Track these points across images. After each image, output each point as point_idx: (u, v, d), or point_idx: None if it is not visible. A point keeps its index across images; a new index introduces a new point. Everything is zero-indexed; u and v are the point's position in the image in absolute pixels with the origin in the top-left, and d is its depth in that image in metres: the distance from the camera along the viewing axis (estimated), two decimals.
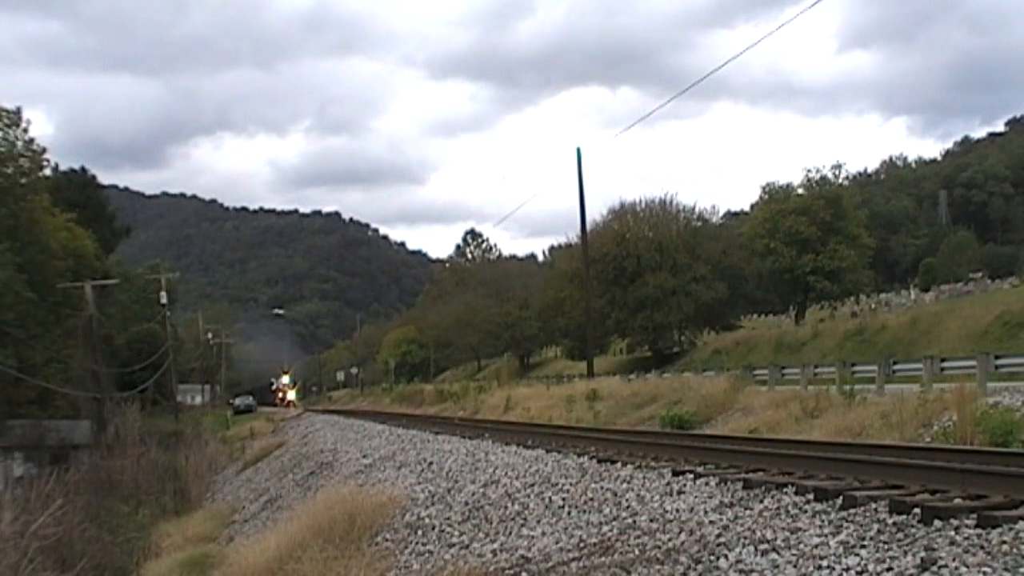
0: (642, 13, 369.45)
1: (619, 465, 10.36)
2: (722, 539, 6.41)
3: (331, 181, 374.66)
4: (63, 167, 61.67)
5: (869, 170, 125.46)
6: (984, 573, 4.73)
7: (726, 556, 6.00)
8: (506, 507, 9.58)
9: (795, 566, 5.48)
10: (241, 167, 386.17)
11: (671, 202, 56.71)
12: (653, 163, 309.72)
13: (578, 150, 35.24)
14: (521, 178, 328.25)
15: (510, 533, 8.56)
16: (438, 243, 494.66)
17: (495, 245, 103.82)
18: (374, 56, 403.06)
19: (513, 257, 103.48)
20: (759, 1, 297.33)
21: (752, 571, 5.60)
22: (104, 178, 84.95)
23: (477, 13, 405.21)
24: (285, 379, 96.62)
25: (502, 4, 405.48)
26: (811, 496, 7.04)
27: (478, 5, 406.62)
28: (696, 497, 7.90)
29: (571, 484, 9.76)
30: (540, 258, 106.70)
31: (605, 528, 7.64)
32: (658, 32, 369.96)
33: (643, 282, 52.01)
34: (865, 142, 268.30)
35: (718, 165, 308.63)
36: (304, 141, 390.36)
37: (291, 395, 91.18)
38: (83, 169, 62.62)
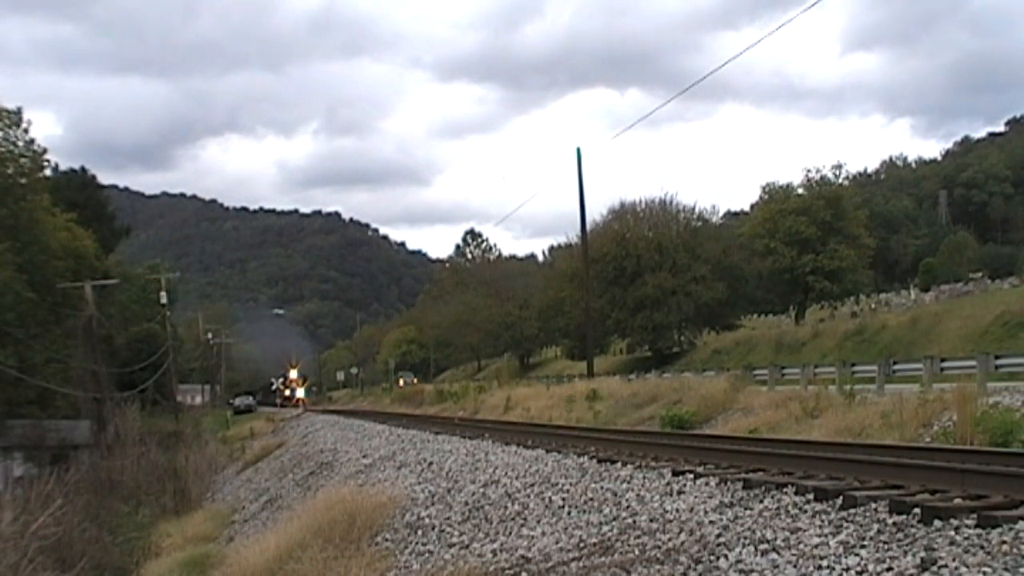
0: (648, 15, 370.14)
1: (619, 465, 10.35)
2: (722, 539, 6.41)
3: (337, 182, 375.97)
4: (71, 168, 61.99)
5: (869, 170, 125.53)
6: (984, 573, 4.72)
7: (726, 556, 6.00)
8: (506, 507, 9.58)
9: (795, 566, 5.48)
10: (248, 169, 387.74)
11: (671, 202, 56.80)
12: (660, 165, 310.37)
13: (578, 150, 35.22)
14: (524, 179, 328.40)
15: (510, 533, 8.56)
16: (440, 243, 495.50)
17: (495, 245, 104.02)
18: (382, 58, 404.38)
19: (513, 257, 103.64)
20: (763, 3, 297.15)
21: (752, 571, 5.60)
22: (113, 179, 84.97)
23: (484, 15, 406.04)
24: (293, 373, 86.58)
25: (509, 6, 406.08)
26: (811, 496, 7.04)
27: (485, 7, 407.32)
28: (696, 497, 7.90)
29: (571, 484, 9.76)
30: (540, 258, 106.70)
31: (605, 528, 7.64)
32: (664, 34, 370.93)
33: (643, 282, 52.02)
34: (869, 144, 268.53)
35: (724, 167, 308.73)
36: (312, 143, 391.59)
37: (299, 392, 79.97)
38: (83, 169, 62.72)
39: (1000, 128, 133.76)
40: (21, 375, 36.31)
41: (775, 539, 6.08)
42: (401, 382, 71.92)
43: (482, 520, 9.42)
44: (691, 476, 8.84)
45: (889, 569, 5.06)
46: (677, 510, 7.56)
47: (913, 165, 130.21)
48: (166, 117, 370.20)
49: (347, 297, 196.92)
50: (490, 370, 74.85)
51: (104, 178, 64.61)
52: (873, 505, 6.41)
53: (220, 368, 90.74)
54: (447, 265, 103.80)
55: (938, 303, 47.63)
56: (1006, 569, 4.74)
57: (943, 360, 18.89)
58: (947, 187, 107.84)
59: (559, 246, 79.77)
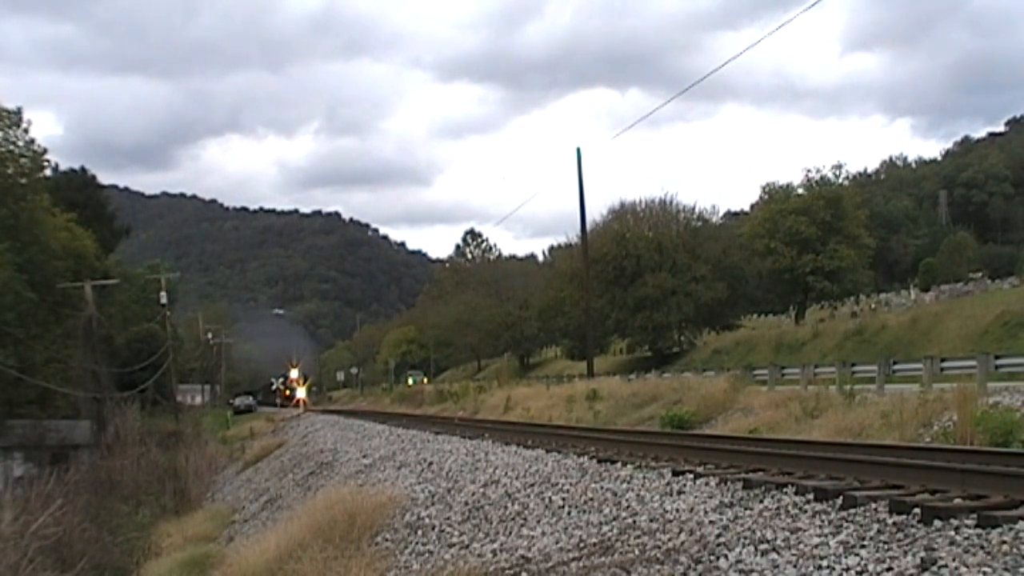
0: (648, 15, 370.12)
1: (619, 465, 10.35)
2: (722, 539, 6.41)
3: (338, 182, 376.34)
4: (72, 168, 62.04)
5: (869, 170, 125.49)
6: (984, 573, 4.72)
7: (726, 556, 6.00)
8: (506, 507, 9.58)
9: (795, 566, 5.48)
10: (249, 169, 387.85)
11: (671, 202, 56.83)
12: (660, 165, 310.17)
13: (578, 150, 35.23)
14: (525, 179, 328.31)
15: (510, 533, 8.56)
16: (440, 243, 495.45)
17: (495, 245, 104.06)
18: (382, 58, 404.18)
19: (513, 257, 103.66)
20: (763, 3, 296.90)
21: (752, 571, 5.60)
22: (113, 179, 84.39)
23: (485, 15, 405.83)
24: (294, 372, 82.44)
25: (510, 6, 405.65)
26: (811, 496, 7.04)
27: (486, 7, 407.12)
28: (696, 497, 7.90)
29: (571, 484, 9.76)
30: (540, 258, 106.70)
31: (605, 528, 7.64)
32: (664, 35, 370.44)
33: (643, 282, 52.03)
34: (870, 144, 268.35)
35: (724, 167, 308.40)
36: (313, 143, 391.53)
37: (300, 392, 76.03)
38: (83, 169, 62.75)
39: (1000, 128, 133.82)
40: (21, 375, 36.29)
41: (775, 539, 6.09)
42: (410, 381, 69.77)
43: (482, 520, 9.42)
44: (691, 476, 8.84)
45: (889, 569, 5.06)
46: (677, 510, 7.56)
47: (913, 165, 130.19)
48: (167, 117, 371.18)
49: (347, 297, 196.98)
50: (490, 370, 74.83)
51: (104, 178, 64.72)
52: (873, 505, 6.41)
53: (220, 368, 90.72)
54: (447, 265, 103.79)
55: (938, 303, 47.63)
56: (1006, 569, 4.74)
57: (943, 360, 18.89)
58: (947, 187, 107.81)
59: (559, 246, 79.87)
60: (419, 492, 11.94)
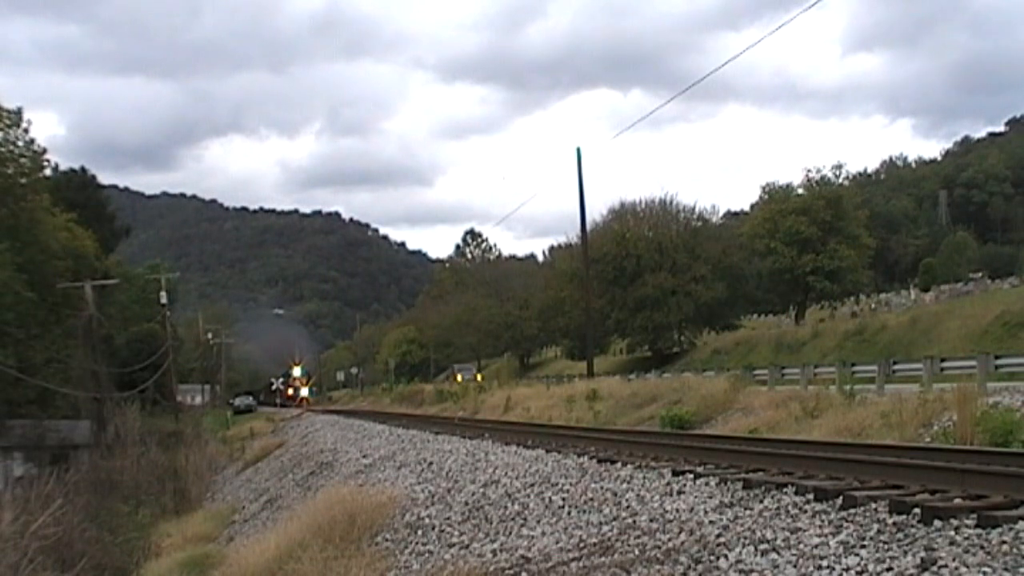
0: (649, 16, 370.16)
1: (619, 465, 10.36)
2: (722, 539, 6.41)
3: (339, 182, 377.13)
4: (72, 168, 61.98)
5: (869, 170, 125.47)
6: (984, 573, 4.72)
7: (726, 556, 6.00)
8: (506, 507, 9.58)
9: (795, 566, 5.48)
10: (251, 169, 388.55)
11: (671, 202, 56.87)
12: (662, 166, 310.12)
13: (578, 150, 35.20)
14: (526, 179, 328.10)
15: (510, 533, 8.56)
16: (441, 243, 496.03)
17: (495, 245, 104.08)
18: (384, 58, 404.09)
19: (513, 257, 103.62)
20: (764, 4, 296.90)
21: (752, 571, 5.60)
22: (116, 180, 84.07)
23: (487, 16, 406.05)
24: (297, 371, 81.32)
25: (512, 7, 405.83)
26: (811, 496, 7.05)
27: (488, 8, 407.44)
28: (696, 497, 7.90)
29: (571, 484, 9.76)
30: (540, 258, 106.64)
31: (605, 528, 7.64)
32: (666, 35, 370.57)
33: (643, 282, 52.05)
34: (871, 144, 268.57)
35: (726, 167, 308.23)
36: (315, 143, 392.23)
37: (304, 391, 75.01)
38: (83, 169, 62.68)
39: (1000, 128, 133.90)
40: (21, 375, 36.25)
41: (775, 539, 6.08)
42: (459, 377, 63.20)
43: (482, 520, 9.42)
44: (691, 476, 8.84)
45: (889, 569, 5.06)
46: (677, 510, 7.56)
47: (913, 165, 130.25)
48: (169, 117, 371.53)
49: (347, 297, 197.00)
50: (490, 370, 74.79)
51: (107, 179, 64.89)
52: (873, 505, 6.41)
53: (220, 368, 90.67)
54: (447, 265, 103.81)
55: (938, 303, 47.63)
56: (1006, 569, 4.74)
57: (943, 360, 18.89)
58: (947, 187, 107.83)
59: (559, 246, 79.73)
60: (419, 492, 11.94)
